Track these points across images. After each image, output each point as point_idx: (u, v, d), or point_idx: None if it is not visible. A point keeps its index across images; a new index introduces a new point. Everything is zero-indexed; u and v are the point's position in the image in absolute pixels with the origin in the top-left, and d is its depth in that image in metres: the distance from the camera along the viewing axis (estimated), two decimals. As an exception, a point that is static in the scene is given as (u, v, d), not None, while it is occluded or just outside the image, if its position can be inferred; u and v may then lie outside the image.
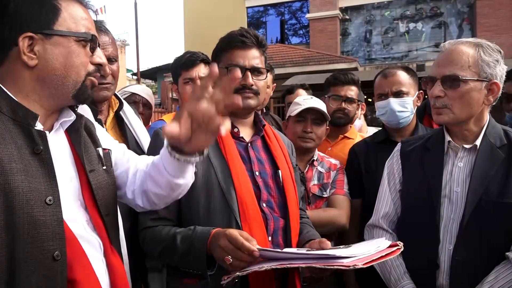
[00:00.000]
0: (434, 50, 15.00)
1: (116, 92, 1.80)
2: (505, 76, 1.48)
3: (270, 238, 1.38)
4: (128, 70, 26.99)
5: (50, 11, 0.98)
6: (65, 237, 0.93)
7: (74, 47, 1.00)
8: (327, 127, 2.18)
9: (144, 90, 2.84)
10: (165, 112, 11.32)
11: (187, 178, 1.11)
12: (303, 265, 1.12)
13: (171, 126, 0.90)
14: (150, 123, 2.82)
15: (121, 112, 1.78)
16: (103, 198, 1.07)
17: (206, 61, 2.26)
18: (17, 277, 0.86)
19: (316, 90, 3.37)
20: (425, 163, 1.56)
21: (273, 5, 18.26)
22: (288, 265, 1.12)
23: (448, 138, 1.52)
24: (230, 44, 1.46)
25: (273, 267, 1.10)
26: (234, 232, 1.18)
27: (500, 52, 1.46)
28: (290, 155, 1.62)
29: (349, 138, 2.44)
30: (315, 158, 2.15)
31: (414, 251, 1.45)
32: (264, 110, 2.98)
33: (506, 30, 14.02)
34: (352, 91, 2.41)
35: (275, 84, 2.84)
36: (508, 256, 1.36)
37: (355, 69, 13.17)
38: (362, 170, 2.13)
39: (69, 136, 1.07)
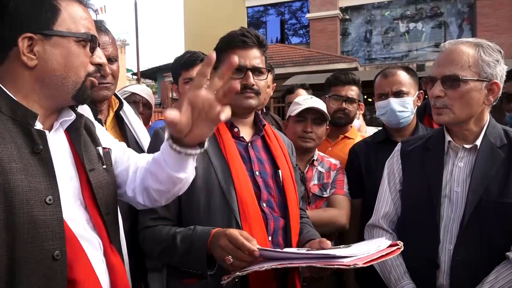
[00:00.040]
0: (434, 50, 15.00)
1: (116, 92, 1.80)
2: (505, 76, 1.47)
3: (270, 238, 1.38)
4: (128, 70, 27.01)
5: (49, 11, 0.98)
6: (65, 237, 0.93)
7: (74, 47, 1.00)
8: (327, 127, 2.18)
9: (144, 90, 2.84)
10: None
11: (188, 172, 1.10)
12: (303, 265, 1.12)
13: (172, 111, 0.90)
14: (150, 123, 2.82)
15: (121, 112, 1.79)
16: (103, 197, 1.07)
17: (206, 61, 2.25)
18: (17, 276, 0.86)
19: (316, 90, 3.37)
20: (425, 163, 1.56)
21: (273, 5, 18.26)
22: (288, 265, 1.12)
23: (448, 138, 1.52)
24: (231, 44, 1.46)
25: (273, 266, 1.10)
26: (234, 232, 1.18)
27: (500, 52, 1.46)
28: (290, 155, 1.62)
29: (350, 138, 2.44)
30: (315, 158, 2.15)
31: (414, 251, 1.45)
32: (264, 110, 2.98)
33: (506, 30, 14.02)
34: (353, 91, 2.41)
35: (275, 84, 2.84)
36: (508, 256, 1.36)
37: (355, 69, 13.18)
38: (362, 170, 2.13)
39: (69, 136, 1.06)
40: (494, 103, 1.48)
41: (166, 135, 1.01)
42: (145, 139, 1.79)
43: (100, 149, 1.12)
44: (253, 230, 1.31)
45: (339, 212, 2.03)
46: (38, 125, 0.97)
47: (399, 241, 1.20)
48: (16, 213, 0.87)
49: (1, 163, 0.86)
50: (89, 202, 1.04)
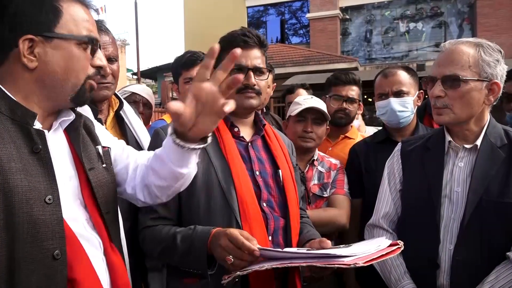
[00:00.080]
0: (435, 50, 15.01)
1: (116, 92, 1.80)
2: (506, 76, 1.47)
3: (270, 238, 1.38)
4: (128, 70, 27.01)
5: (51, 13, 0.97)
6: (65, 236, 0.93)
7: (75, 50, 1.00)
8: (328, 127, 2.18)
9: (144, 89, 2.84)
10: (165, 111, 11.32)
11: (191, 168, 1.10)
12: (304, 264, 1.12)
13: (176, 103, 0.90)
14: (150, 123, 2.82)
15: (121, 112, 1.79)
16: (103, 196, 1.07)
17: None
18: (17, 276, 0.86)
19: (316, 89, 3.37)
20: (426, 163, 1.56)
21: (273, 5, 18.26)
22: (288, 264, 1.12)
23: (448, 138, 1.52)
24: (232, 44, 1.45)
25: (273, 266, 1.10)
26: (234, 231, 1.18)
27: (501, 52, 1.46)
28: (290, 155, 1.62)
29: (350, 138, 2.44)
30: (315, 158, 2.15)
31: (415, 251, 1.46)
32: (264, 110, 2.98)
33: (506, 30, 14.03)
34: (353, 91, 2.40)
35: (275, 84, 2.84)
36: (508, 256, 1.36)
37: (355, 68, 13.18)
38: (362, 169, 2.13)
39: (68, 135, 1.06)
40: (494, 103, 1.48)
41: (169, 130, 1.01)
42: (145, 139, 1.79)
43: (99, 148, 1.12)
44: (253, 230, 1.31)
45: (339, 212, 2.03)
46: (37, 125, 0.96)
47: (399, 241, 1.20)
48: (15, 213, 0.86)
49: (0, 163, 0.86)
50: (89, 201, 1.04)
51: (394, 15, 16.46)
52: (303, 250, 1.22)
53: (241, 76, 0.91)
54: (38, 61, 0.97)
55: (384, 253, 1.12)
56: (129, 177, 1.20)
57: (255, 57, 1.46)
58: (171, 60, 2.62)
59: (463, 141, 1.51)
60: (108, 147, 1.17)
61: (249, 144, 1.48)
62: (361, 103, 2.50)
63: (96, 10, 1.10)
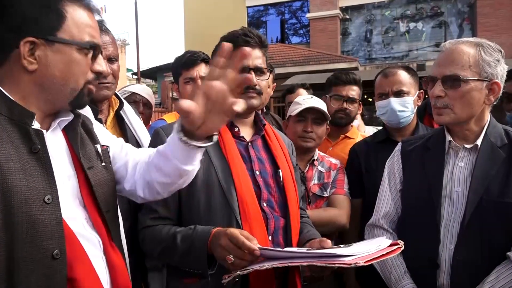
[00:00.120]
0: (435, 50, 15.00)
1: (116, 92, 1.80)
2: (506, 75, 1.47)
3: (270, 238, 1.38)
4: (128, 70, 27.03)
5: (55, 17, 0.97)
6: (64, 236, 0.93)
7: (76, 55, 1.00)
8: (328, 127, 2.18)
9: (144, 89, 2.84)
10: (166, 111, 11.32)
11: (195, 165, 1.10)
12: (304, 264, 1.12)
13: (186, 101, 0.90)
14: (150, 123, 2.82)
15: (121, 112, 1.79)
16: (103, 195, 1.07)
17: (206, 61, 2.26)
18: (16, 276, 0.86)
19: (316, 89, 3.37)
20: (426, 162, 1.56)
21: (274, 5, 18.26)
22: (289, 264, 1.12)
23: (449, 138, 1.52)
24: (233, 44, 1.45)
25: (274, 266, 1.10)
26: (235, 231, 1.18)
27: (501, 52, 1.46)
28: (291, 155, 1.62)
29: (350, 138, 2.44)
30: (315, 158, 2.15)
31: (415, 250, 1.45)
32: (264, 110, 2.98)
33: (506, 29, 14.02)
34: (354, 91, 2.40)
35: (275, 84, 2.82)
36: (509, 256, 1.35)
37: (356, 68, 13.17)
38: (362, 169, 2.13)
39: (66, 135, 1.06)
40: (494, 103, 1.48)
41: (176, 127, 1.01)
42: (145, 139, 1.79)
43: (98, 147, 1.13)
44: (253, 230, 1.31)
45: (339, 211, 2.02)
46: (36, 125, 0.96)
47: (400, 241, 1.20)
48: (14, 212, 0.86)
49: None
50: (88, 200, 1.04)
51: (394, 15, 16.45)
52: (303, 250, 1.22)
53: (251, 76, 0.91)
54: (38, 64, 0.96)
55: (384, 252, 1.12)
56: (128, 174, 1.20)
57: (256, 57, 1.46)
58: (171, 60, 2.62)
59: (464, 141, 1.50)
60: (107, 146, 1.17)
61: (249, 144, 1.48)
62: (360, 103, 2.50)
63: (100, 13, 1.10)
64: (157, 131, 1.45)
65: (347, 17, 16.93)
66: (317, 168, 2.13)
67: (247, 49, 0.90)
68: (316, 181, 2.10)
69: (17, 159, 0.89)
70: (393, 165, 1.69)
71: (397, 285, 1.52)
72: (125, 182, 1.20)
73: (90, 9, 1.04)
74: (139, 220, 1.42)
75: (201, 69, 2.24)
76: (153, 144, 1.45)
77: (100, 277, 1.00)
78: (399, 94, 2.04)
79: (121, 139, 1.27)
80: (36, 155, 0.93)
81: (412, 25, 16.23)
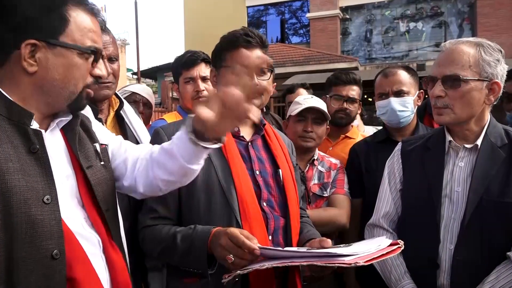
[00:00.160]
0: (435, 50, 15.01)
1: (116, 91, 1.80)
2: (506, 75, 1.47)
3: (270, 237, 1.38)
4: (128, 70, 27.04)
5: (58, 20, 0.97)
6: (64, 236, 0.93)
7: (76, 59, 1.00)
8: (328, 127, 2.18)
9: (144, 89, 2.84)
10: (166, 111, 11.31)
11: (200, 164, 1.13)
12: (304, 263, 1.12)
13: (205, 110, 0.95)
14: (150, 123, 2.82)
15: (121, 111, 1.78)
16: (102, 194, 1.07)
17: (207, 61, 2.26)
18: (15, 276, 0.86)
19: (316, 89, 3.37)
20: (426, 162, 1.56)
21: (274, 5, 18.27)
22: (289, 264, 1.12)
23: (449, 138, 1.52)
24: (234, 44, 1.45)
25: (274, 265, 1.10)
26: (235, 230, 1.18)
27: (501, 52, 1.46)
28: (291, 154, 1.62)
29: (350, 138, 2.44)
30: (315, 158, 2.15)
31: (415, 250, 1.45)
32: (264, 110, 2.98)
33: (506, 29, 14.02)
34: (354, 91, 2.40)
35: (275, 84, 2.83)
36: (509, 256, 1.35)
37: (356, 68, 13.18)
38: (362, 169, 2.13)
39: (65, 135, 1.06)
40: (494, 103, 1.48)
41: (187, 127, 1.04)
42: (145, 139, 1.79)
43: (97, 146, 1.13)
44: (253, 230, 1.31)
45: (339, 211, 2.03)
46: (34, 125, 0.96)
47: (400, 240, 1.20)
48: (14, 213, 0.86)
49: None
50: (87, 200, 1.04)
51: (394, 15, 16.46)
52: (303, 250, 1.22)
53: (270, 87, 0.94)
54: (38, 66, 0.96)
55: (384, 252, 1.12)
56: (127, 171, 1.20)
57: (258, 57, 1.46)
58: (171, 60, 2.62)
59: (464, 141, 1.50)
60: (106, 144, 1.18)
61: (249, 143, 1.48)
62: (360, 103, 2.50)
63: (103, 21, 1.10)
64: (157, 131, 1.45)
65: (347, 17, 16.94)
66: (317, 168, 2.13)
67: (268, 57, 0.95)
68: (316, 181, 2.10)
69: (16, 159, 0.89)
70: (393, 165, 1.69)
71: (397, 285, 1.52)
72: (124, 179, 1.20)
73: (94, 13, 1.05)
74: (139, 219, 1.42)
75: (201, 69, 2.24)
76: (153, 143, 1.45)
77: (99, 277, 1.00)
78: (399, 94, 2.04)
79: (120, 137, 1.28)
80: (35, 155, 0.93)
81: (412, 25, 16.23)
